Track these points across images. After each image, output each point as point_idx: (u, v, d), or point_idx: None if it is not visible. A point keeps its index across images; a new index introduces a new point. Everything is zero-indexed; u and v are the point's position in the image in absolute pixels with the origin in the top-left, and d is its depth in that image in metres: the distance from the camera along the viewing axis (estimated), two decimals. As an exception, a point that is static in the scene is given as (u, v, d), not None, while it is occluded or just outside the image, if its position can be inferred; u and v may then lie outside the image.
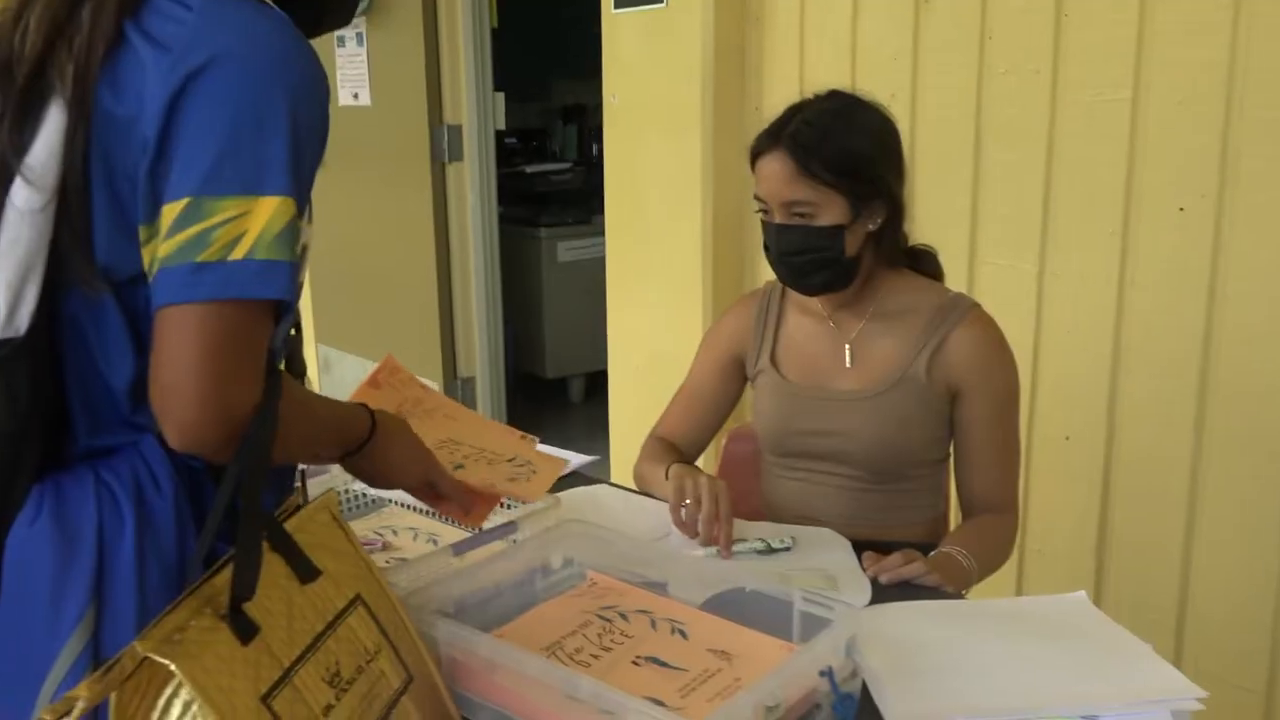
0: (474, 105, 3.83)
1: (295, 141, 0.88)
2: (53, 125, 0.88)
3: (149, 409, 0.95)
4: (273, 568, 0.95)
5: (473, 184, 3.89)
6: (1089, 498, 2.18)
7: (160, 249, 0.86)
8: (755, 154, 1.59)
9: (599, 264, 4.58)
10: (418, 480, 1.20)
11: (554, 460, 1.46)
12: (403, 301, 4.07)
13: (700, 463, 1.87)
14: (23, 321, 0.88)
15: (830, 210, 1.54)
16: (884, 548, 1.51)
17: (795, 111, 1.59)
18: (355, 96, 4.03)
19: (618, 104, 2.97)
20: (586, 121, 5.95)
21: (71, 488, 0.91)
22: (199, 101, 0.86)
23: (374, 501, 1.68)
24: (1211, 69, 1.90)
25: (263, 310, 0.89)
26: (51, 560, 0.88)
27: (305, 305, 4.72)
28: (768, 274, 1.70)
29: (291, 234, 0.88)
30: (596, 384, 4.83)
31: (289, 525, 0.99)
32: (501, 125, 3.98)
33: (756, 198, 1.61)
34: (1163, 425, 2.06)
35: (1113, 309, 2.10)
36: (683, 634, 1.21)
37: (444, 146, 3.85)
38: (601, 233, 3.01)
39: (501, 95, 3.92)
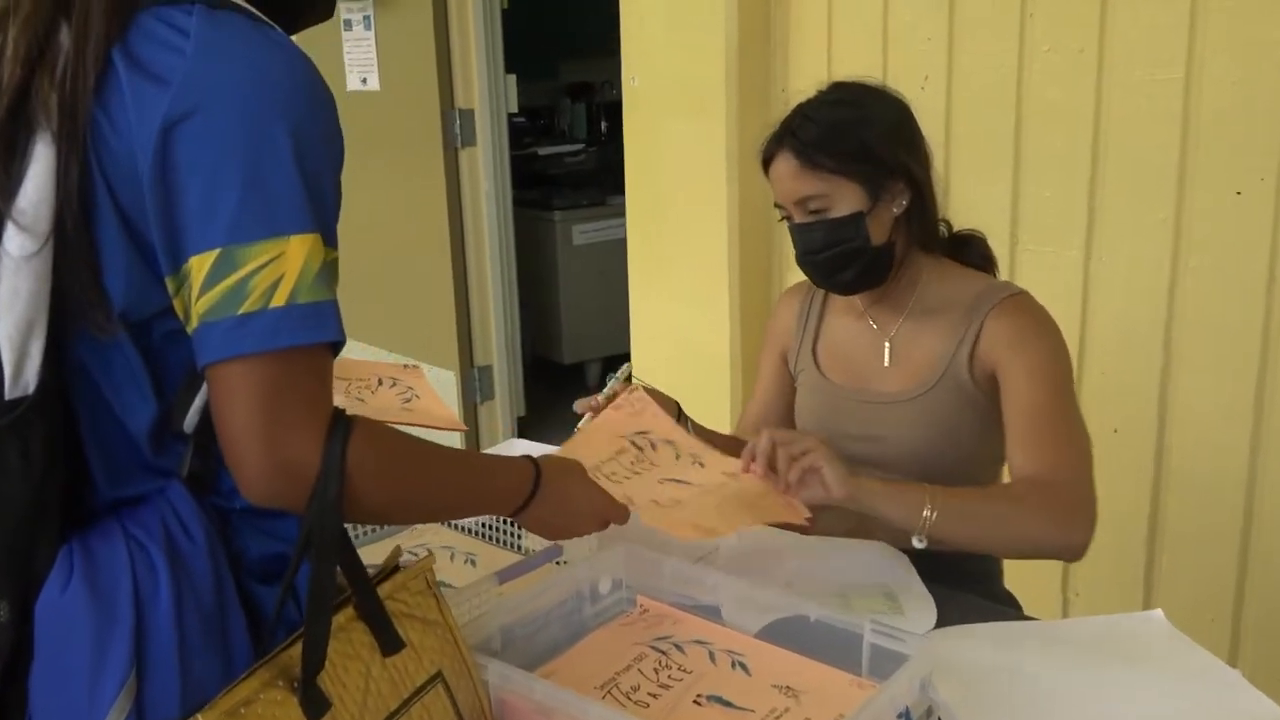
0: (486, 88, 3.74)
1: (304, 176, 0.83)
2: (42, 162, 0.81)
3: (172, 452, 0.90)
4: (356, 637, 0.91)
5: (486, 169, 3.81)
6: (1138, 493, 2.11)
7: (198, 305, 0.81)
8: (765, 161, 1.52)
9: (615, 246, 4.51)
10: (596, 528, 1.18)
11: (412, 371, 1.64)
12: (418, 290, 4.00)
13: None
14: (30, 378, 0.82)
15: (845, 199, 1.47)
16: (944, 562, 1.45)
17: (799, 110, 1.52)
18: (364, 81, 3.94)
19: (638, 86, 2.88)
20: (594, 99, 5.86)
21: (100, 546, 0.85)
22: (199, 144, 0.81)
23: (405, 517, 1.61)
24: (1270, 48, 1.82)
25: (315, 355, 0.83)
26: (90, 627, 0.83)
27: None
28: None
29: (329, 272, 0.84)
30: (613, 368, 4.75)
31: (382, 590, 0.94)
32: (514, 108, 3.89)
33: (776, 205, 1.54)
34: (1218, 418, 1.99)
35: (1164, 297, 2.02)
36: (744, 668, 1.14)
37: (456, 131, 3.76)
38: (616, 215, 2.94)
39: (513, 78, 3.83)
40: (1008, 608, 1.50)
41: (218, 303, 0.80)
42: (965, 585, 1.44)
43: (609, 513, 1.19)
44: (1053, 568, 2.24)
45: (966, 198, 2.27)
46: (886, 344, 1.59)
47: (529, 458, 1.10)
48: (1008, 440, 1.46)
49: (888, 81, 2.33)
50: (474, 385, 3.99)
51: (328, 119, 0.87)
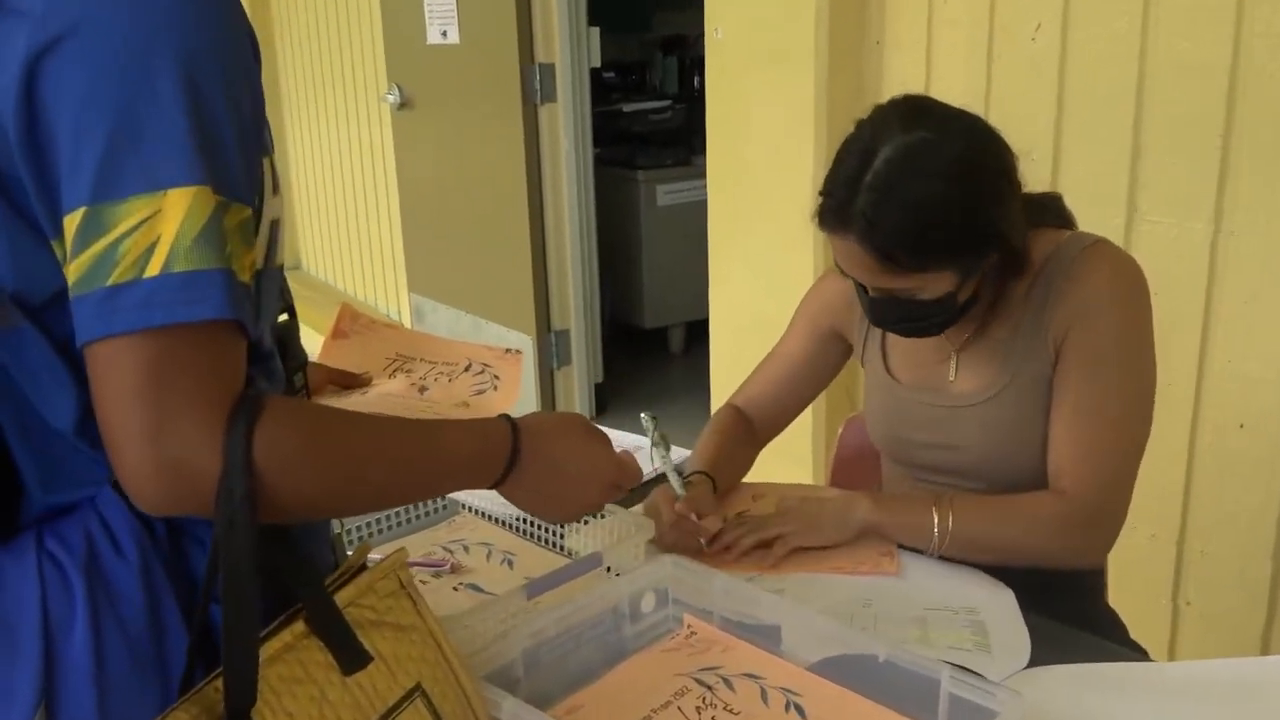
0: (567, 42, 3.58)
1: (199, 116, 0.70)
2: None
3: None
4: (307, 656, 0.77)
5: (566, 126, 3.66)
6: (1266, 495, 1.89)
7: (69, 274, 0.69)
8: (823, 227, 1.27)
9: (700, 208, 4.31)
10: (605, 496, 1.01)
11: (510, 358, 1.34)
12: (494, 250, 3.88)
13: (791, 440, 1.64)
14: None
15: (934, 285, 1.25)
16: (1041, 578, 1.28)
17: (858, 169, 1.21)
18: (444, 35, 3.82)
19: (721, 38, 2.69)
20: (688, 53, 5.65)
21: (10, 565, 0.74)
22: (64, 79, 0.68)
23: (444, 507, 1.49)
24: None
25: (205, 332, 0.70)
26: None
27: (396, 252, 4.59)
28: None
29: (216, 233, 0.70)
30: (696, 333, 4.61)
31: (343, 596, 0.80)
32: (596, 63, 3.73)
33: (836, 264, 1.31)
34: (1363, 416, 1.76)
35: (1305, 277, 1.79)
36: (799, 710, 0.99)
37: (535, 87, 3.61)
38: (703, 175, 2.78)
39: (596, 31, 3.66)
40: (1111, 636, 1.32)
41: (87, 272, 0.68)
42: (1065, 603, 1.27)
43: (618, 474, 1.01)
44: (1163, 576, 2.03)
45: (1080, 161, 2.05)
46: (954, 354, 1.40)
47: (505, 416, 0.93)
48: (1050, 428, 1.31)
49: (995, 30, 2.15)
50: (551, 350, 3.88)
51: (233, 50, 0.74)
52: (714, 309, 2.93)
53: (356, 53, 4.70)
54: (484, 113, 3.76)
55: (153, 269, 0.68)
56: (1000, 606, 1.21)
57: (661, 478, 1.38)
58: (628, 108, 5.03)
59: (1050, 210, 1.42)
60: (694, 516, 1.31)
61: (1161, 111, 1.93)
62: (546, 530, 1.41)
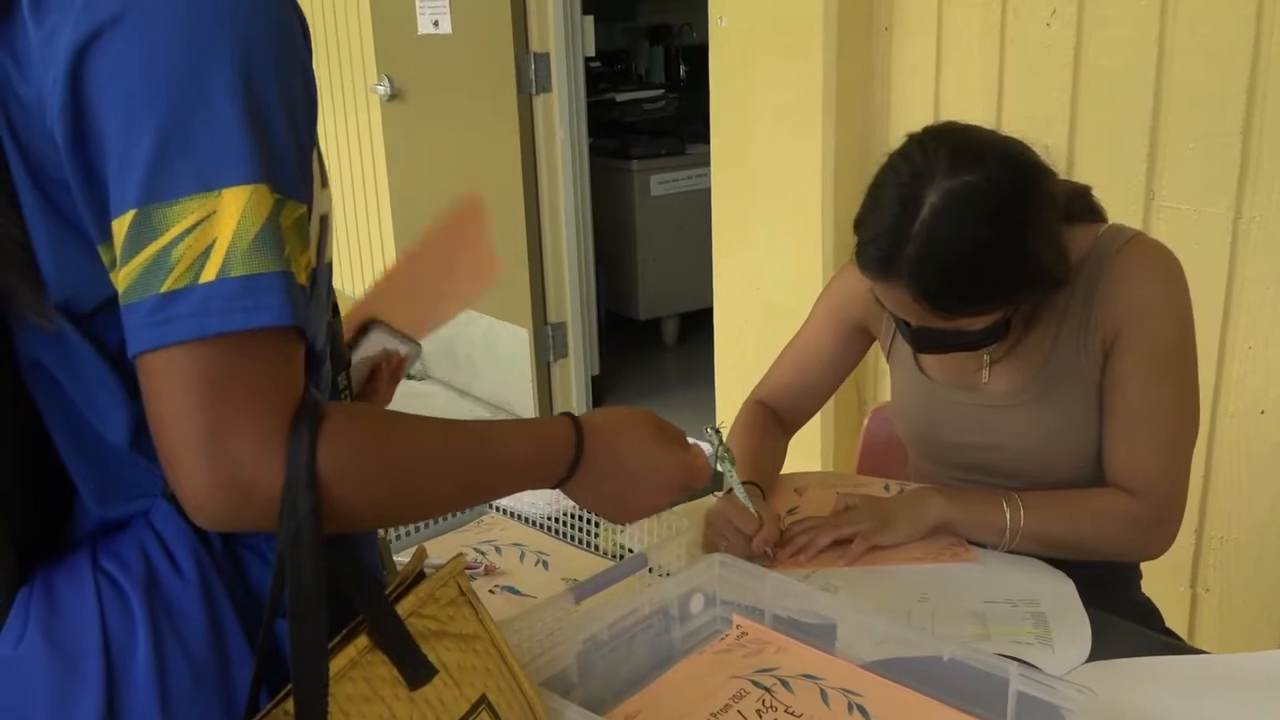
0: (562, 31, 3.54)
1: (253, 109, 0.66)
2: None
3: None
4: (374, 672, 0.74)
5: (562, 116, 3.62)
6: (1288, 481, 1.88)
7: (119, 280, 0.65)
8: (867, 274, 1.23)
9: (695, 198, 4.31)
10: (669, 496, 0.96)
11: (468, 209, 1.26)
12: (489, 243, 3.84)
13: (819, 430, 1.62)
14: None
15: (981, 320, 1.23)
16: (1079, 569, 1.26)
17: (903, 216, 1.16)
18: (435, 24, 3.77)
19: (726, 26, 2.66)
20: (673, 42, 5.62)
21: (65, 586, 0.71)
22: (111, 70, 0.64)
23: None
24: None
25: (264, 340, 0.66)
26: (47, 689, 0.69)
27: (387, 246, 4.54)
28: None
29: (274, 233, 0.66)
30: (691, 325, 4.59)
31: (403, 606, 0.77)
32: (591, 51, 3.69)
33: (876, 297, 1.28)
34: (1388, 400, 1.75)
35: (1327, 262, 1.78)
36: (862, 711, 0.97)
37: (530, 77, 3.57)
38: (697, 164, 2.75)
39: (590, 19, 3.63)
40: (1150, 625, 1.31)
41: (138, 279, 0.64)
42: (1107, 593, 1.25)
43: (686, 476, 0.96)
44: (1182, 564, 2.03)
45: (1097, 147, 2.03)
46: (986, 356, 1.37)
47: (568, 414, 0.90)
48: (1105, 430, 1.30)
49: (1008, 14, 2.13)
50: (547, 343, 3.84)
51: (287, 37, 0.69)
52: (718, 296, 2.90)
53: (344, 43, 4.64)
54: (478, 104, 3.71)
55: (208, 274, 0.64)
56: (1061, 597, 1.19)
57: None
58: (620, 97, 5.00)
59: (1081, 204, 1.40)
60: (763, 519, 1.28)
61: (1180, 96, 1.91)
62: (578, 529, 1.38)
